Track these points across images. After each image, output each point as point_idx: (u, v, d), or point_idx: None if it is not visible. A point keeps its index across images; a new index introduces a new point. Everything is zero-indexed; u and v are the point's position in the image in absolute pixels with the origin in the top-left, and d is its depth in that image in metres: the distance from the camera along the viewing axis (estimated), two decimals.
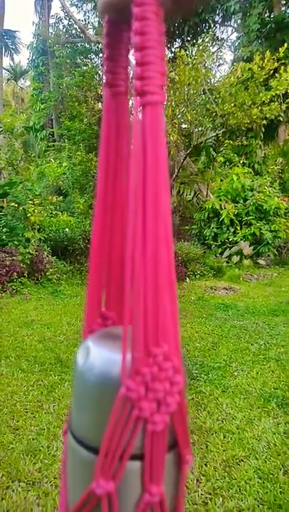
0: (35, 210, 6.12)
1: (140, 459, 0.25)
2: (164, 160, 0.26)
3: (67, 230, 6.95)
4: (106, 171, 0.31)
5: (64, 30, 12.17)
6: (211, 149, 9.01)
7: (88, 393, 0.27)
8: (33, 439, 2.13)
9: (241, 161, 8.44)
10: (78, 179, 8.65)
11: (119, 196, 0.31)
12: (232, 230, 7.79)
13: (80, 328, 4.20)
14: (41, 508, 1.67)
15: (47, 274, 6.21)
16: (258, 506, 1.69)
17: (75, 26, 11.66)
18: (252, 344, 3.74)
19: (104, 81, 0.33)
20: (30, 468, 1.90)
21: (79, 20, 11.84)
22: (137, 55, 0.26)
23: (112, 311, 0.32)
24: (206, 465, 1.95)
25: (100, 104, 11.51)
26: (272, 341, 3.81)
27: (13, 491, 1.76)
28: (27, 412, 2.43)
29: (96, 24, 12.27)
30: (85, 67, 11.52)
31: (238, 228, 7.77)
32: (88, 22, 12.44)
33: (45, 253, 6.30)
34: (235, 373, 3.05)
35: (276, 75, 7.78)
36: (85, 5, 12.30)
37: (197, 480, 1.85)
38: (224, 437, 2.18)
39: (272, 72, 7.78)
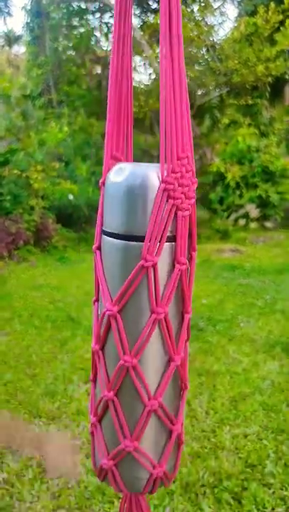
0: (39, 177, 6.11)
1: (171, 241, 0.34)
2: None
3: (71, 196, 6.95)
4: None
5: None
6: (215, 110, 8.79)
7: (129, 196, 0.34)
8: (50, 384, 2.26)
9: (247, 122, 8.24)
10: (80, 145, 8.54)
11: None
12: (238, 192, 7.73)
13: (88, 290, 4.30)
14: (62, 437, 1.80)
15: (52, 241, 6.28)
16: (263, 432, 1.81)
17: None
18: (258, 299, 3.82)
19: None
20: (50, 406, 2.03)
21: None
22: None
23: (121, 155, 0.38)
24: (214, 401, 2.06)
25: (98, 67, 11.16)
26: (278, 296, 3.89)
27: (36, 425, 1.89)
28: (42, 362, 2.56)
29: None
30: (81, 29, 11.09)
31: (244, 191, 7.70)
32: None
33: (50, 220, 6.34)
34: (242, 324, 3.15)
35: (281, 28, 7.46)
36: None
37: (206, 413, 1.96)
38: (231, 378, 2.29)
39: (277, 25, 7.45)
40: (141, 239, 0.34)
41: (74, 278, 4.83)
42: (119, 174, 0.35)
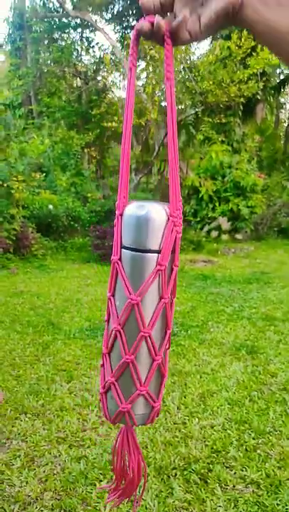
0: (19, 187, 6.24)
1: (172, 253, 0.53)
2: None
3: (50, 206, 7.10)
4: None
5: (41, 3, 11.88)
6: (191, 127, 9.20)
7: (147, 223, 0.50)
8: (34, 384, 2.42)
9: (220, 139, 8.68)
10: (60, 156, 8.71)
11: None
12: (211, 206, 8.12)
13: (67, 297, 4.46)
14: (46, 431, 1.97)
15: (32, 249, 6.40)
16: (228, 423, 2.05)
17: (52, 0, 11.41)
18: (227, 307, 4.10)
19: (131, 61, 0.55)
20: (34, 404, 2.19)
21: None
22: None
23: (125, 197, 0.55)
24: (184, 397, 2.29)
25: (79, 80, 11.42)
26: (246, 304, 4.19)
27: (22, 420, 2.05)
28: (26, 364, 2.71)
29: None
30: (63, 43, 11.34)
31: (217, 204, 8.10)
32: None
33: (30, 229, 6.47)
34: (211, 329, 3.41)
35: (253, 53, 7.97)
36: None
37: (177, 408, 2.19)
38: (200, 377, 2.53)
39: (249, 50, 7.96)
40: (153, 251, 0.49)
41: (53, 285, 4.98)
42: (141, 209, 0.50)
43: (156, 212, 0.50)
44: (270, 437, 1.95)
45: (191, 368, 2.65)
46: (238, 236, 8.17)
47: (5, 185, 6.19)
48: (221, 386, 2.42)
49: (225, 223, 8.04)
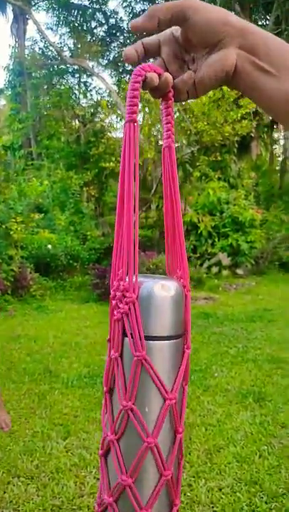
0: (18, 228, 6.26)
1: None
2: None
3: (49, 246, 7.09)
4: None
5: (40, 52, 12.51)
6: (187, 165, 9.39)
7: (175, 305, 0.43)
8: (28, 441, 2.27)
9: (217, 176, 8.83)
10: (58, 196, 8.83)
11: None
12: (210, 241, 8.12)
13: (66, 340, 4.34)
14: (41, 497, 1.81)
15: (30, 290, 6.31)
16: (237, 484, 1.89)
17: (50, 48, 12.02)
18: (231, 348, 3.97)
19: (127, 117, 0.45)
20: (28, 465, 2.04)
21: (54, 42, 12.22)
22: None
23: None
24: (189, 454, 2.13)
25: (77, 122, 11.81)
26: (250, 345, 4.06)
27: (14, 485, 1.89)
28: (20, 417, 2.57)
29: (72, 46, 12.68)
30: (61, 88, 11.83)
31: (216, 240, 8.10)
32: (64, 44, 12.84)
33: (28, 270, 6.42)
34: (216, 374, 3.27)
35: None
36: (60, 28, 12.71)
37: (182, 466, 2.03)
38: (206, 430, 2.38)
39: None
40: (179, 336, 0.43)
41: (52, 328, 4.86)
42: (166, 289, 0.42)
43: (178, 289, 0.43)
44: (284, 500, 1.79)
45: (195, 419, 2.50)
46: (239, 271, 8.11)
47: (3, 226, 6.22)
48: (228, 440, 2.27)
49: (225, 259, 8.01)
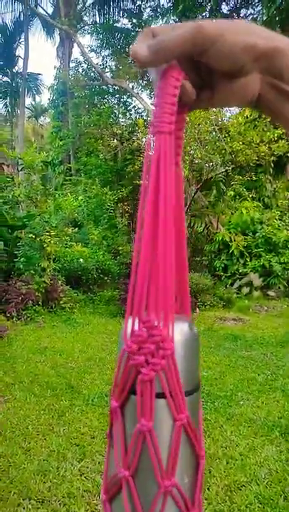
0: (52, 241, 6.40)
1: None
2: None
3: (81, 260, 7.19)
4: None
5: (83, 73, 13.03)
6: (221, 184, 9.31)
7: (197, 348, 0.36)
8: (43, 460, 2.24)
9: (251, 195, 8.68)
10: (93, 211, 8.99)
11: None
12: (242, 261, 7.93)
13: (91, 355, 4.33)
14: None
15: (60, 302, 6.40)
16: None
17: (93, 70, 12.49)
18: (259, 374, 3.79)
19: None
20: (41, 487, 2.01)
21: (97, 64, 12.70)
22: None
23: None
24: (208, 489, 2.02)
25: (115, 140, 12.10)
26: (279, 372, 3.86)
27: (24, 508, 1.86)
28: (38, 434, 2.55)
29: (113, 68, 13.12)
30: (102, 107, 12.21)
31: (248, 260, 7.90)
32: (106, 66, 13.32)
33: (60, 282, 6.53)
34: (241, 402, 3.12)
35: None
36: (103, 51, 13.22)
37: None
38: (227, 463, 2.26)
39: None
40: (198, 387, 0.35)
41: (78, 341, 4.87)
42: (192, 329, 0.36)
43: (194, 330, 0.36)
44: None
45: (216, 451, 2.38)
46: (271, 293, 7.84)
47: (38, 239, 6.39)
48: (250, 477, 2.13)
49: (256, 279, 7.77)
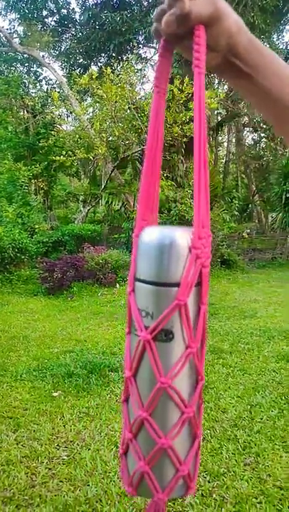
0: None
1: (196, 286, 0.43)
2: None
3: None
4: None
5: None
6: (137, 162, 9.52)
7: (162, 251, 0.42)
8: None
9: (165, 174, 9.06)
10: (5, 188, 8.52)
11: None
12: None
13: (14, 334, 4.26)
14: None
15: None
16: None
17: (0, 35, 11.49)
18: None
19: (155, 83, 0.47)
20: None
21: (3, 27, 11.68)
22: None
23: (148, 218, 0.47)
24: None
25: (26, 112, 11.42)
26: None
27: None
28: None
29: (21, 34, 12.21)
30: (10, 76, 11.38)
31: None
32: (14, 31, 12.32)
33: None
34: None
35: None
36: (9, 14, 12.17)
37: None
38: None
39: (191, 95, 8.54)
40: (172, 285, 0.40)
41: None
42: (159, 235, 0.42)
43: (175, 241, 0.42)
44: (225, 479, 1.97)
45: None
46: None
47: None
48: None
49: None
